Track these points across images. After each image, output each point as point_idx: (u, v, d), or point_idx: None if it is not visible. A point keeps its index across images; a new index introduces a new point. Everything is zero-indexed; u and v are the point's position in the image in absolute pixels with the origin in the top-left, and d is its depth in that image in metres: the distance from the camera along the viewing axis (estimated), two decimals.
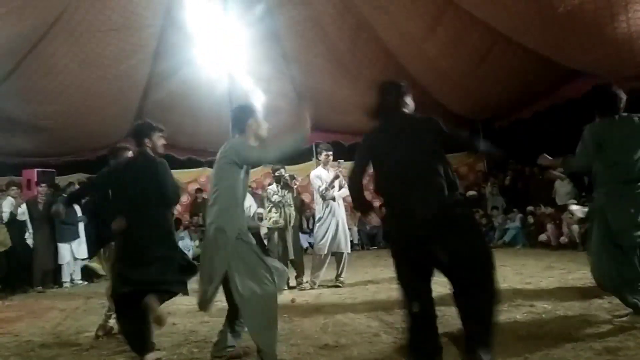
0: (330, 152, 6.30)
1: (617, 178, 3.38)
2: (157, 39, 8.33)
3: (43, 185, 8.60)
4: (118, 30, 7.48)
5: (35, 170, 9.70)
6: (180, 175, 11.90)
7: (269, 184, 6.78)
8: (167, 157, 11.03)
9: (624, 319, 3.37)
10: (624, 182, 3.36)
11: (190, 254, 10.42)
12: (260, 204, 10.71)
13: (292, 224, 6.37)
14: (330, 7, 7.95)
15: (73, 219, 8.18)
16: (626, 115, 3.44)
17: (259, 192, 11.05)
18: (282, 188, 6.34)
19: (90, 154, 10.79)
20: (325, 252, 6.07)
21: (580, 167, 3.70)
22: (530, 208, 9.46)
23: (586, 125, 3.51)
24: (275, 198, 6.28)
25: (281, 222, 6.28)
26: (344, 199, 6.28)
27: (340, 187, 6.11)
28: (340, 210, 6.18)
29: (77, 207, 8.39)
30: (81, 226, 8.32)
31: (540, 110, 8.94)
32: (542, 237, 8.78)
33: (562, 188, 8.94)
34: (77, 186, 8.95)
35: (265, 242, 10.59)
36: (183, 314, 4.96)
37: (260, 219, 10.62)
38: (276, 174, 6.38)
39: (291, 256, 6.25)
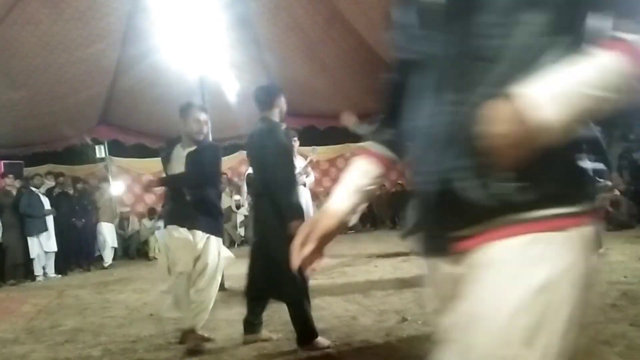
0: (296, 139, 6.18)
1: None
2: (125, 23, 8.08)
3: (10, 176, 8.35)
4: (83, 14, 7.22)
5: (2, 162, 9.40)
6: (154, 163, 11.73)
7: (247, 171, 6.61)
8: (139, 145, 10.79)
9: None
10: None
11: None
12: (237, 191, 10.69)
13: None
14: None
15: (40, 211, 7.98)
16: None
17: (236, 180, 10.97)
18: None
19: (58, 144, 10.50)
20: None
21: None
22: None
23: None
24: None
25: None
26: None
27: (307, 174, 6.02)
28: (307, 195, 6.09)
29: (44, 200, 8.19)
30: (49, 219, 8.12)
31: None
32: None
33: None
34: (46, 178, 8.69)
35: (242, 230, 10.62)
36: (159, 305, 4.92)
37: (238, 207, 10.60)
38: None
39: None
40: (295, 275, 2.90)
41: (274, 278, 3.11)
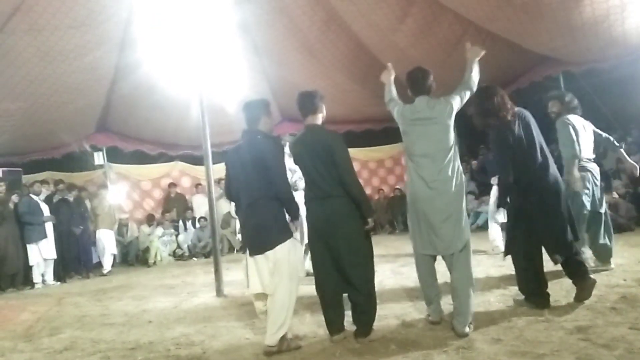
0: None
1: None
2: (122, 30, 8.10)
3: (1, 183, 8.33)
4: (82, 23, 7.24)
5: (0, 169, 9.40)
6: (152, 170, 11.74)
7: None
8: (138, 152, 10.78)
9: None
10: None
11: (167, 249, 10.30)
12: None
13: None
14: None
15: (39, 219, 7.97)
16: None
17: None
18: None
19: (57, 151, 10.51)
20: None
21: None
22: None
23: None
24: None
25: None
26: None
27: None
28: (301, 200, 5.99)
29: (44, 207, 8.18)
30: (49, 226, 8.11)
31: (508, 94, 9.09)
32: None
33: None
34: (43, 186, 8.70)
35: (241, 236, 10.59)
36: (158, 312, 4.90)
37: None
38: None
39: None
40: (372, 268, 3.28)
41: (350, 272, 3.20)
